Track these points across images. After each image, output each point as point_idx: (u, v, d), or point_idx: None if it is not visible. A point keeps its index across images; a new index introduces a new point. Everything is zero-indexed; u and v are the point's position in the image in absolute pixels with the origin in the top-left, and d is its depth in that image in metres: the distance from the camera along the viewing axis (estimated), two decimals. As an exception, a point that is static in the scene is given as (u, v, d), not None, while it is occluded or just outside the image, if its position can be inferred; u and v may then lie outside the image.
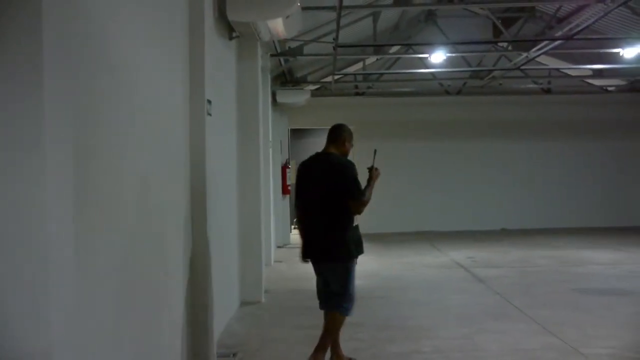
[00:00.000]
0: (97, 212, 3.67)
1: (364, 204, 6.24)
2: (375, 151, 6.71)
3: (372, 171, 6.56)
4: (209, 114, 6.28)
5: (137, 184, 4.46)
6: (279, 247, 16.32)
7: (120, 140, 4.11)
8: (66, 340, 2.93)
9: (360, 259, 6.47)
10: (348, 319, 6.58)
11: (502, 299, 9.61)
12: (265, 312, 9.14)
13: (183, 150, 5.86)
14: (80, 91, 3.40)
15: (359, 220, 6.37)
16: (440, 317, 8.59)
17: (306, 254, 6.60)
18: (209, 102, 6.28)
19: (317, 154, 6.64)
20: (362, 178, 6.26)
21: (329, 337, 6.43)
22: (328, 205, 6.27)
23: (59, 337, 2.86)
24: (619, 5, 10.73)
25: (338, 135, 6.56)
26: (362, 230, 6.48)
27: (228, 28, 8.51)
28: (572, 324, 8.00)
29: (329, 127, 6.63)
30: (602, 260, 13.45)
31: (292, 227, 20.34)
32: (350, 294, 6.40)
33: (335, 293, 6.45)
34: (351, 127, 6.80)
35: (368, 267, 11.82)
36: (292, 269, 13.04)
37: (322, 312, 6.58)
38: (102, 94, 3.78)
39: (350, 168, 6.29)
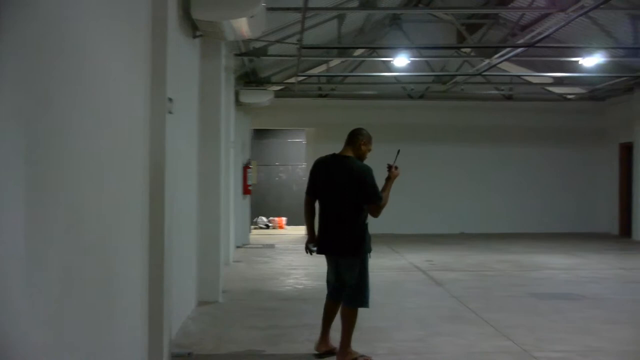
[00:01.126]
0: (50, 210, 3.63)
1: (382, 207, 6.60)
2: (398, 151, 6.99)
3: (392, 170, 6.85)
4: (170, 112, 6.25)
5: (93, 182, 4.43)
6: (238, 247, 16.30)
7: (75, 137, 4.07)
8: (16, 340, 2.91)
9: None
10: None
11: (459, 302, 9.70)
12: (222, 312, 9.11)
13: (142, 148, 5.83)
14: (34, 86, 3.36)
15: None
16: (396, 319, 8.64)
17: (322, 249, 6.87)
18: (171, 100, 6.25)
19: (334, 155, 6.88)
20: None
21: (349, 331, 6.69)
22: (348, 206, 6.60)
23: (6, 337, 2.83)
24: (580, 15, 10.93)
25: (355, 139, 6.79)
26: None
27: (192, 26, 8.48)
28: (525, 327, 8.11)
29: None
30: (557, 265, 13.64)
31: (252, 227, 20.34)
32: (367, 286, 6.69)
33: (350, 286, 6.71)
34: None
35: (326, 269, 11.82)
36: (251, 269, 13.05)
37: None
38: (57, 89, 3.73)
39: (369, 174, 6.57)
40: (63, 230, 3.83)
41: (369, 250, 6.72)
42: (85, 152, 4.23)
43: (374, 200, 6.54)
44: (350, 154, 6.75)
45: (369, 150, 6.85)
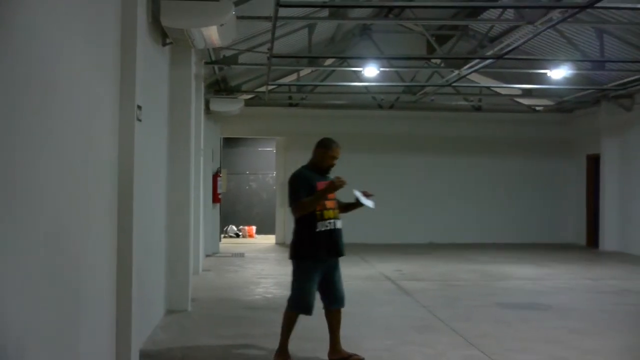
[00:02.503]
0: (15, 218, 3.60)
1: (292, 209, 6.87)
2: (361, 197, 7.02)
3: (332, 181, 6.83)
4: (139, 120, 6.22)
5: (61, 189, 4.40)
6: (208, 255, 16.22)
7: (40, 145, 4.04)
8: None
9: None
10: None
11: (427, 312, 9.74)
12: (191, 321, 9.07)
13: (111, 156, 5.79)
14: None
15: (340, 224, 6.95)
16: (364, 328, 8.65)
17: None
18: (140, 107, 6.22)
19: None
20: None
21: (281, 332, 6.96)
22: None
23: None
24: (548, 28, 11.05)
25: (315, 148, 7.04)
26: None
27: (162, 34, 8.46)
28: (493, 337, 8.16)
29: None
30: (525, 275, 13.74)
31: (222, 236, 20.27)
32: (300, 291, 6.89)
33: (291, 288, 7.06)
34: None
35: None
36: (220, 278, 13.00)
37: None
38: (22, 96, 3.70)
39: (291, 179, 6.94)
40: (28, 237, 3.80)
41: (312, 257, 6.81)
42: (50, 161, 4.19)
43: (289, 204, 6.93)
44: (311, 162, 7.04)
45: (331, 157, 6.93)
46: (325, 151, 6.93)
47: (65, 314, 4.51)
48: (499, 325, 8.91)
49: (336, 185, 6.70)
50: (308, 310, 6.85)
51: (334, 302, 6.99)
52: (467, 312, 9.83)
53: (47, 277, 4.12)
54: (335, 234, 6.85)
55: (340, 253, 6.95)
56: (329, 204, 6.84)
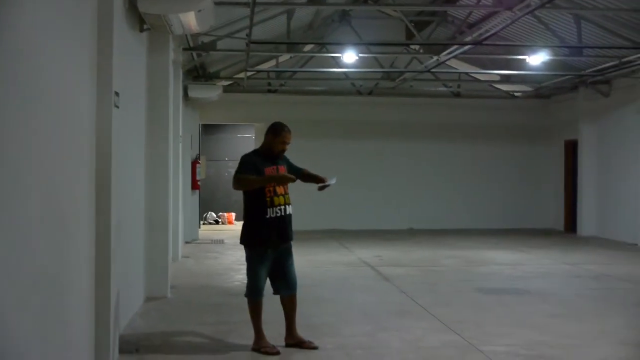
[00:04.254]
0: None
1: (234, 181, 6.88)
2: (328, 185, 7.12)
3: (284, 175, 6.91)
4: (117, 106, 6.18)
5: (38, 176, 4.36)
6: (187, 242, 16.19)
7: (16, 132, 4.00)
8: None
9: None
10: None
11: (407, 297, 9.77)
12: (171, 307, 9.05)
13: (88, 142, 5.75)
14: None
15: (290, 209, 6.97)
16: (344, 314, 8.67)
17: None
18: (117, 94, 6.18)
19: None
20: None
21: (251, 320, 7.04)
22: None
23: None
24: (526, 14, 11.08)
25: (266, 132, 7.05)
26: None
27: (139, 20, 8.39)
28: (472, 321, 8.20)
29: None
30: (504, 260, 13.82)
31: (201, 222, 20.22)
32: (251, 278, 6.96)
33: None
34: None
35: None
36: (200, 265, 12.97)
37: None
38: None
39: (241, 159, 6.96)
40: (5, 227, 3.76)
41: (261, 245, 6.84)
42: (26, 147, 4.15)
43: (233, 176, 6.93)
44: (262, 147, 7.11)
45: (281, 142, 6.96)
46: (274, 137, 6.96)
47: (43, 301, 4.48)
48: (478, 310, 8.96)
49: (284, 180, 6.81)
50: (259, 294, 6.93)
51: (285, 288, 7.05)
52: (447, 297, 9.88)
53: (25, 264, 4.09)
54: (285, 220, 6.89)
55: (289, 238, 6.98)
56: (279, 189, 6.86)
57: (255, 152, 7.16)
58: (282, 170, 6.96)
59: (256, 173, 6.79)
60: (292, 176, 6.87)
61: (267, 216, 6.78)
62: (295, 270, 7.16)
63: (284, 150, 7.01)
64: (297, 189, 7.52)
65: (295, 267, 7.16)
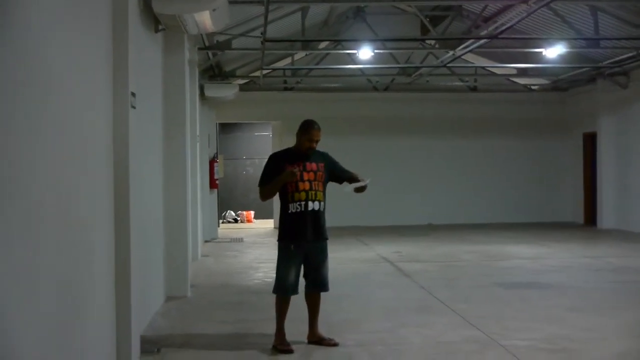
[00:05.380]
0: (7, 209, 3.57)
1: (261, 194, 7.08)
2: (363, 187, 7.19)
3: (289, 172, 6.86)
4: (133, 107, 6.20)
5: (56, 178, 4.38)
6: (206, 241, 16.25)
7: (34, 133, 4.02)
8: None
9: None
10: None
11: (427, 293, 9.75)
12: (191, 306, 9.08)
13: (105, 143, 5.77)
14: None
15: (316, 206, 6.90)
16: (364, 311, 8.67)
17: None
18: (134, 95, 6.20)
19: None
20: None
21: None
22: None
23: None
24: (541, 6, 11.01)
25: (297, 130, 7.05)
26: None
27: (154, 20, 8.41)
28: (493, 316, 8.17)
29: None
30: (524, 254, 13.76)
31: (220, 221, 20.27)
32: (278, 274, 7.08)
33: None
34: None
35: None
36: (219, 264, 13.01)
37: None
38: (12, 85, 3.67)
39: (267, 160, 7.12)
40: (23, 229, 3.78)
41: (288, 239, 6.90)
42: (45, 148, 4.17)
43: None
44: (295, 144, 7.08)
45: (307, 140, 6.93)
46: (301, 135, 6.96)
47: (64, 303, 4.50)
48: (498, 305, 8.93)
49: (287, 178, 6.77)
50: (284, 291, 6.96)
51: (312, 286, 7.05)
52: (467, 292, 9.85)
53: (44, 267, 4.11)
54: (305, 215, 6.83)
55: (313, 235, 6.90)
56: (302, 185, 6.81)
57: (286, 150, 7.20)
58: (312, 167, 6.91)
59: (277, 174, 6.82)
60: (291, 171, 6.75)
61: (290, 211, 6.82)
62: (328, 272, 7.14)
63: (311, 148, 6.94)
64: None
65: (328, 269, 7.13)
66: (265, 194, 7.00)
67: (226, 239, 17.24)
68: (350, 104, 20.39)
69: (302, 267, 6.98)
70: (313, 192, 6.86)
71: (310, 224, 6.86)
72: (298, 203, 6.79)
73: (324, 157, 7.12)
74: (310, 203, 6.83)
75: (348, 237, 17.04)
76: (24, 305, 3.75)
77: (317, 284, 7.04)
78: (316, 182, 6.90)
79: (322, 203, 6.93)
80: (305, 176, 6.83)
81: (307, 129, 6.94)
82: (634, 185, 17.96)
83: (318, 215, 6.91)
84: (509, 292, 9.79)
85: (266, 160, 7.12)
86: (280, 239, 6.95)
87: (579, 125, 20.66)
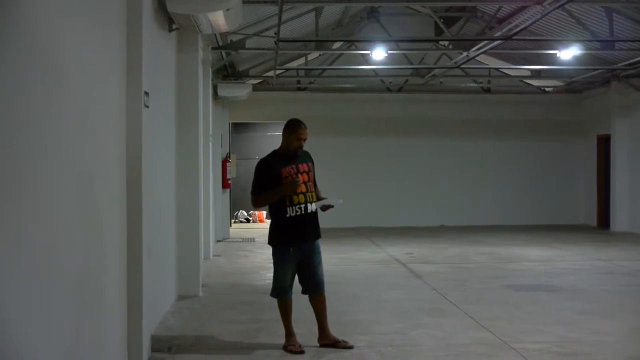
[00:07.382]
0: (20, 209, 3.59)
1: (253, 203, 7.10)
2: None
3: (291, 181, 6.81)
4: (147, 106, 6.22)
5: (70, 178, 4.40)
6: (218, 241, 16.28)
7: (49, 132, 4.04)
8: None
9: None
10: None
11: (438, 295, 9.73)
12: (202, 306, 9.09)
13: (119, 142, 5.79)
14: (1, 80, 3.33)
15: (312, 208, 6.88)
16: (375, 312, 8.66)
17: None
18: (147, 94, 6.22)
19: None
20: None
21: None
22: None
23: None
24: (556, 8, 10.97)
25: (283, 131, 6.99)
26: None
27: (167, 20, 8.44)
28: (504, 319, 8.15)
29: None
30: (536, 257, 13.72)
31: (232, 221, 20.31)
32: (275, 278, 7.04)
33: None
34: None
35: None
36: (231, 263, 13.03)
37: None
38: (27, 84, 3.68)
39: (256, 166, 7.02)
40: (40, 230, 3.80)
41: (283, 244, 6.86)
42: (58, 148, 4.19)
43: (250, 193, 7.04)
44: (281, 145, 7.04)
45: (295, 139, 6.88)
46: (289, 134, 6.91)
47: (75, 301, 4.52)
48: (509, 307, 8.90)
49: (290, 190, 6.72)
50: (282, 295, 6.96)
51: (312, 288, 7.00)
52: (478, 294, 9.82)
53: (56, 266, 4.13)
54: (306, 218, 6.82)
55: (312, 236, 6.92)
56: (301, 187, 6.78)
57: (273, 153, 7.06)
58: (304, 168, 6.90)
59: (271, 179, 6.80)
60: (294, 182, 6.73)
61: (288, 215, 6.76)
62: (324, 270, 7.13)
63: (300, 147, 6.91)
64: (325, 187, 7.51)
65: (323, 267, 7.12)
66: (261, 203, 6.97)
67: (238, 239, 17.27)
68: (363, 104, 20.39)
69: (297, 270, 6.96)
70: (310, 194, 6.88)
71: (310, 226, 6.89)
72: (298, 207, 6.76)
73: (310, 157, 7.12)
74: (309, 205, 6.83)
75: (360, 238, 17.03)
76: (34, 303, 3.77)
77: (318, 285, 7.01)
78: (310, 183, 6.94)
79: (315, 203, 6.97)
80: (301, 178, 6.82)
81: (295, 128, 6.90)
82: (647, 189, 17.88)
83: (316, 216, 6.96)
84: (520, 294, 9.76)
85: (257, 167, 6.96)
86: (276, 244, 6.91)
87: (592, 128, 20.59)
